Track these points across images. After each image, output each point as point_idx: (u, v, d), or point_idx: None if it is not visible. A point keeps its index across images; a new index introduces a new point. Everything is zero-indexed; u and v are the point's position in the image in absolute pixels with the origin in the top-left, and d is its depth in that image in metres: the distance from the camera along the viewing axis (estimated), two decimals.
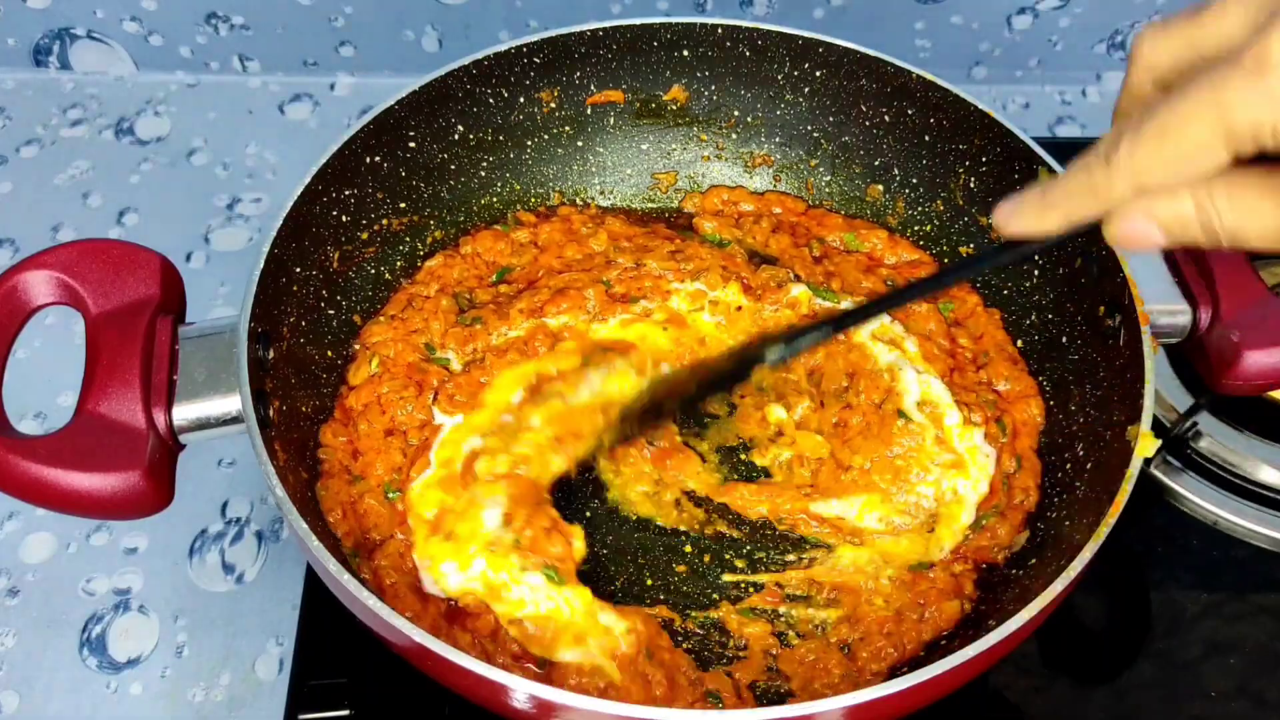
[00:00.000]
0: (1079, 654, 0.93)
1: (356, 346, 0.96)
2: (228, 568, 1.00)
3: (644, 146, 1.11)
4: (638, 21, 1.02)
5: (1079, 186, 0.56)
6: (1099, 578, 0.85)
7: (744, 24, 1.02)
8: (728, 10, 1.34)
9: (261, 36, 1.35)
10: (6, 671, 0.94)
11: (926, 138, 1.03)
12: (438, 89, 0.98)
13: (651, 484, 0.93)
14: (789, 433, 0.95)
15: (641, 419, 0.88)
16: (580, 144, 1.09)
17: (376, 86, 1.39)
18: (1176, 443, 1.02)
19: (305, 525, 0.73)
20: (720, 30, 1.03)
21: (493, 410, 0.92)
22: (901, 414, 0.93)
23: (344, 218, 0.96)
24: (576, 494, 0.92)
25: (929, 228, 1.06)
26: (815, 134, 1.08)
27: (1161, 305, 0.86)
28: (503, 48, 1.00)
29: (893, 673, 0.82)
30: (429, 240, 1.04)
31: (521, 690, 0.66)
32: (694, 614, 0.87)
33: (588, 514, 0.91)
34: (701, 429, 0.97)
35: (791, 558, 0.90)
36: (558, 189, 1.10)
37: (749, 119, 1.09)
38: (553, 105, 1.06)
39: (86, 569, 1.00)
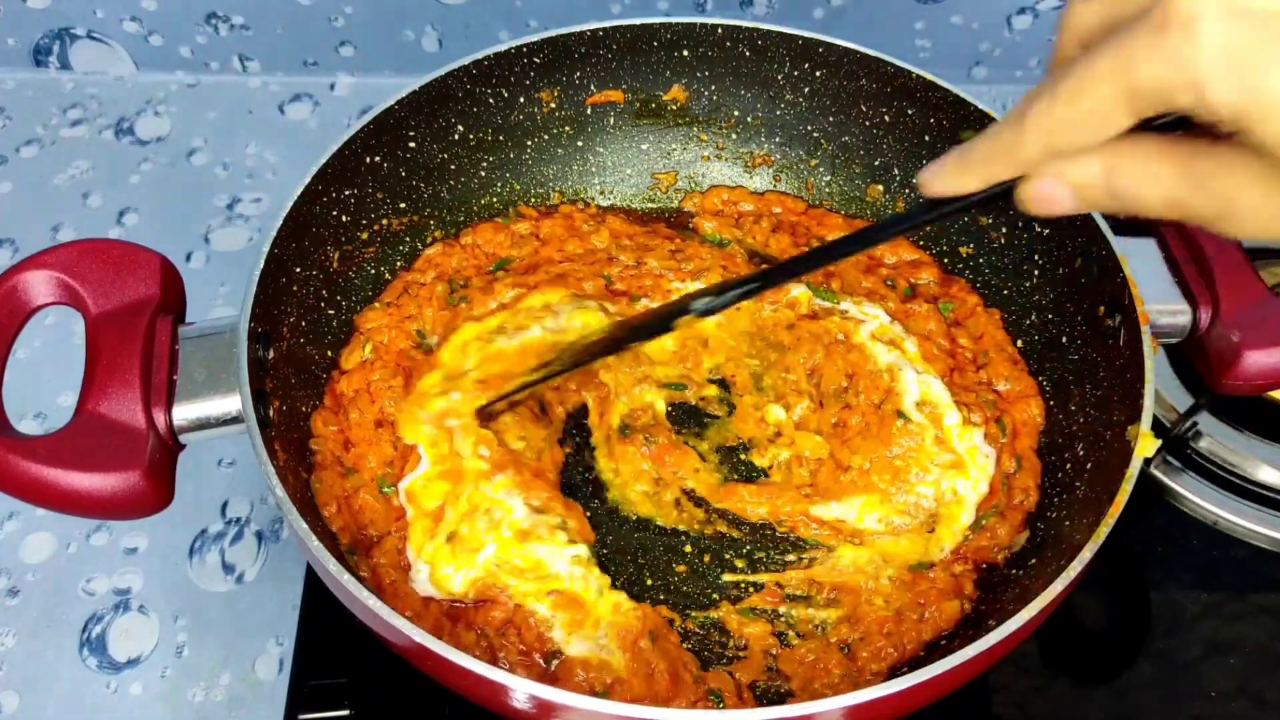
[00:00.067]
0: (1079, 654, 0.93)
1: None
2: (228, 568, 1.00)
3: (644, 146, 1.11)
4: (638, 21, 1.02)
5: (996, 148, 0.56)
6: (1099, 578, 0.85)
7: (744, 24, 1.02)
8: (728, 10, 1.34)
9: (261, 36, 1.35)
10: (6, 671, 0.94)
11: (926, 138, 1.03)
12: (438, 89, 0.98)
13: (651, 483, 0.93)
14: (788, 433, 0.95)
15: (568, 359, 0.88)
16: (580, 144, 1.09)
17: (376, 86, 1.39)
18: (1176, 443, 1.02)
19: (305, 525, 0.73)
20: (720, 30, 1.03)
21: (445, 370, 0.93)
22: (901, 414, 0.93)
23: (344, 218, 0.96)
24: (576, 494, 0.92)
25: (929, 227, 1.06)
26: (815, 134, 1.08)
27: (1161, 305, 0.86)
28: (503, 48, 1.00)
29: (893, 673, 0.82)
30: (429, 240, 1.04)
31: (521, 690, 0.66)
32: (694, 614, 0.87)
33: (587, 514, 0.91)
34: (701, 429, 0.97)
35: (791, 558, 0.90)
36: (558, 189, 1.10)
37: (749, 119, 1.09)
38: (553, 105, 1.06)
39: (86, 569, 1.00)
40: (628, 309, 0.99)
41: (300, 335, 0.90)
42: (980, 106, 0.96)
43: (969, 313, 1.01)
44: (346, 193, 0.95)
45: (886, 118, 1.04)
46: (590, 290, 1.00)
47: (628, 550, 0.90)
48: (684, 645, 0.84)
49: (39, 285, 0.80)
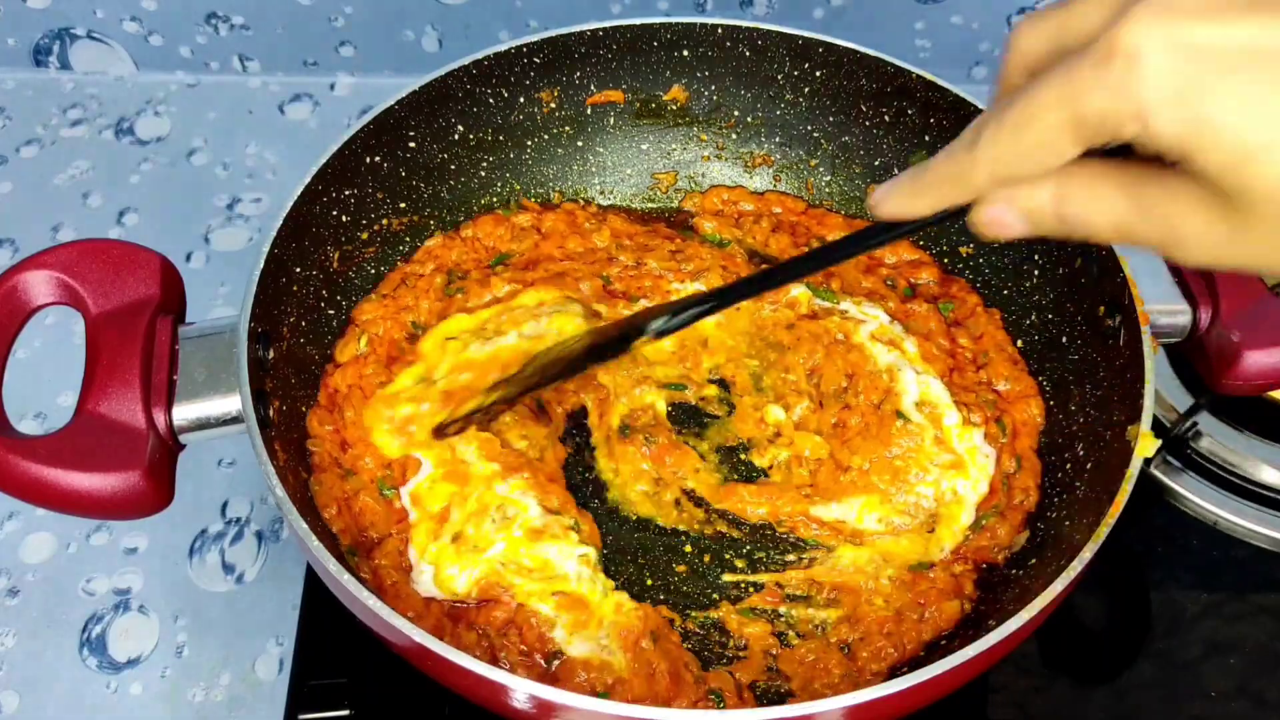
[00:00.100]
0: (1079, 654, 0.93)
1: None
2: (228, 568, 1.00)
3: (644, 146, 1.11)
4: (638, 21, 1.02)
5: (946, 174, 0.56)
6: (1099, 578, 0.85)
7: (744, 24, 1.02)
8: (728, 10, 1.34)
9: (261, 36, 1.35)
10: (6, 671, 0.94)
11: (926, 138, 1.03)
12: (438, 89, 0.98)
13: (651, 483, 0.93)
14: (787, 433, 0.95)
15: (523, 384, 0.87)
16: (580, 144, 1.09)
17: (376, 86, 1.39)
18: (1176, 443, 1.02)
19: (305, 525, 0.73)
20: (720, 30, 1.03)
21: (423, 366, 0.93)
22: (900, 414, 0.93)
23: (344, 218, 0.96)
24: (576, 494, 0.92)
25: (929, 227, 1.06)
26: (815, 134, 1.08)
27: (1161, 305, 0.86)
28: (503, 48, 1.00)
29: (893, 673, 0.82)
30: (428, 239, 1.04)
31: (521, 690, 0.66)
32: (694, 614, 0.87)
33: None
34: (701, 429, 0.97)
35: (791, 558, 0.90)
36: (558, 189, 1.10)
37: (749, 119, 1.09)
38: (553, 105, 1.06)
39: (86, 569, 1.00)
40: (624, 310, 0.99)
41: (300, 335, 0.90)
42: (980, 106, 0.96)
43: (969, 313, 1.01)
44: (346, 193, 0.95)
45: (886, 118, 1.04)
46: (587, 291, 1.00)
47: (628, 550, 0.90)
48: (684, 645, 0.84)
49: (39, 285, 0.80)
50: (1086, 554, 0.73)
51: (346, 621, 0.75)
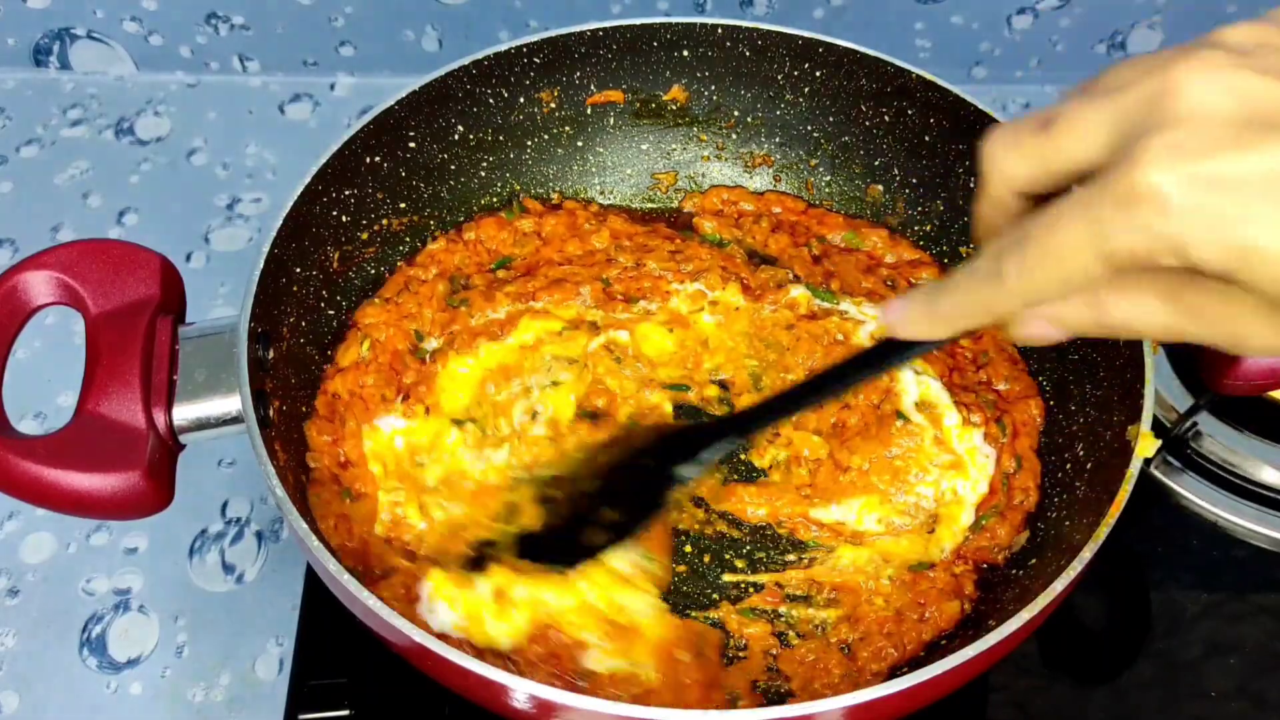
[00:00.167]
0: (1079, 654, 0.93)
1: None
2: (228, 568, 1.00)
3: (644, 146, 1.11)
4: (638, 21, 1.02)
5: (969, 303, 0.57)
6: (1099, 578, 0.85)
7: (744, 24, 1.02)
8: (728, 10, 1.34)
9: (261, 36, 1.35)
10: (6, 671, 0.94)
11: (926, 138, 1.02)
12: (438, 89, 0.98)
13: None
14: (786, 433, 0.95)
15: (542, 542, 0.83)
16: (580, 144, 1.09)
17: (376, 86, 1.39)
18: (1176, 443, 1.02)
19: (305, 525, 0.73)
20: (720, 30, 1.03)
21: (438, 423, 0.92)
22: (900, 415, 0.93)
23: (344, 218, 0.96)
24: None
25: (929, 227, 1.06)
26: (815, 134, 1.08)
27: None
28: (503, 48, 0.99)
29: (893, 673, 0.82)
30: (429, 240, 1.04)
31: (521, 690, 0.66)
32: (694, 614, 0.87)
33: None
34: None
35: (791, 558, 0.90)
36: (558, 189, 1.10)
37: (749, 119, 1.09)
38: (553, 105, 1.06)
39: (86, 569, 1.00)
40: (623, 314, 0.99)
41: (300, 335, 0.90)
42: (980, 106, 0.96)
43: None
44: (346, 193, 0.95)
45: (886, 118, 1.04)
46: (588, 295, 0.99)
47: None
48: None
49: (39, 285, 0.80)
50: (1086, 554, 0.73)
51: (346, 621, 0.75)
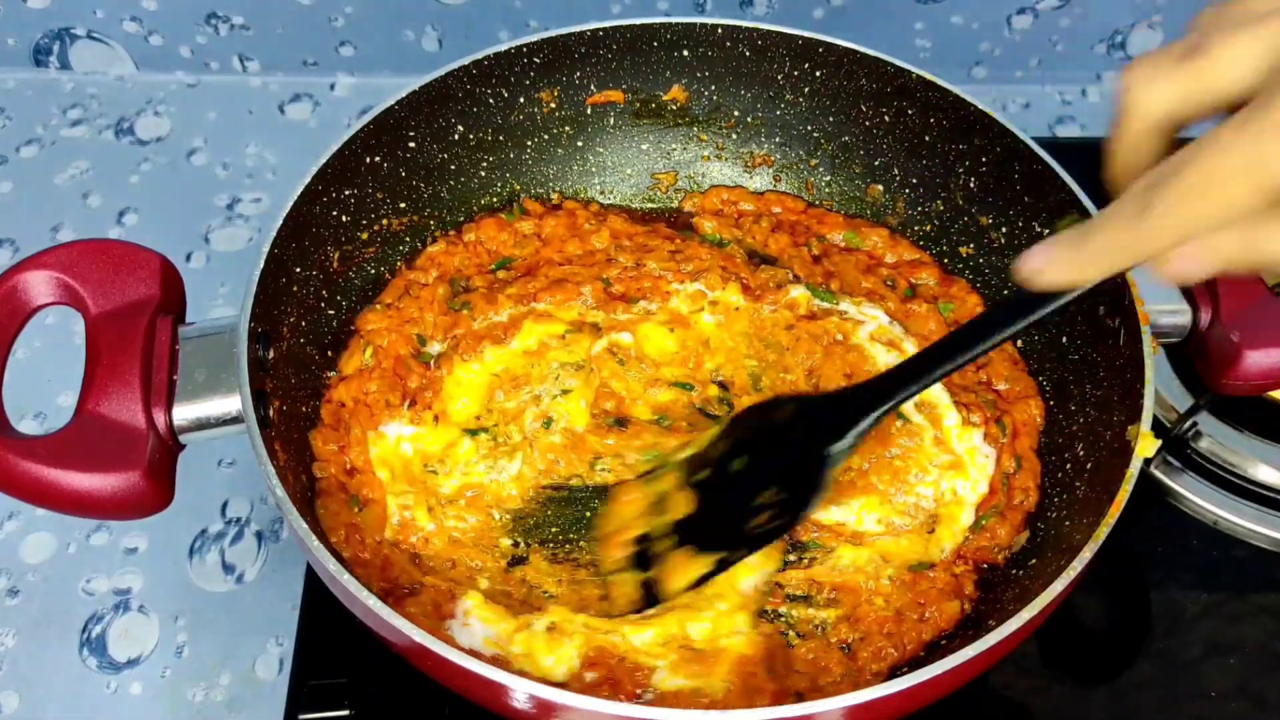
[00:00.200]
0: (1079, 654, 0.93)
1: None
2: (228, 568, 1.00)
3: (644, 146, 1.11)
4: (638, 21, 1.02)
5: (1118, 242, 0.55)
6: (1099, 578, 0.85)
7: (744, 24, 1.02)
8: (728, 10, 1.34)
9: (261, 36, 1.35)
10: (6, 671, 0.94)
11: (926, 138, 1.03)
12: (438, 89, 0.98)
13: None
14: None
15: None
16: (580, 144, 1.09)
17: (376, 86, 1.39)
18: (1176, 443, 1.02)
19: (305, 525, 0.72)
20: (720, 30, 1.03)
21: (448, 428, 0.92)
22: (900, 415, 0.93)
23: (344, 218, 0.96)
24: (576, 494, 0.92)
25: (929, 227, 1.06)
26: (815, 134, 1.08)
27: (1161, 305, 0.86)
28: (503, 48, 0.99)
29: (893, 673, 0.82)
30: (429, 240, 1.04)
31: (521, 690, 0.66)
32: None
33: (587, 514, 0.91)
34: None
35: (792, 557, 0.90)
36: (558, 189, 1.10)
37: (749, 119, 1.09)
38: (553, 105, 1.06)
39: (86, 569, 1.00)
40: (623, 315, 0.99)
41: (300, 335, 0.90)
42: (980, 106, 0.96)
43: (969, 313, 1.00)
44: (346, 193, 0.95)
45: (886, 118, 1.04)
46: (589, 295, 0.99)
47: None
48: None
49: (39, 285, 0.80)
50: (1086, 554, 0.73)
51: (346, 621, 0.75)
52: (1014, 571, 0.86)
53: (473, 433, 0.92)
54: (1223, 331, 0.85)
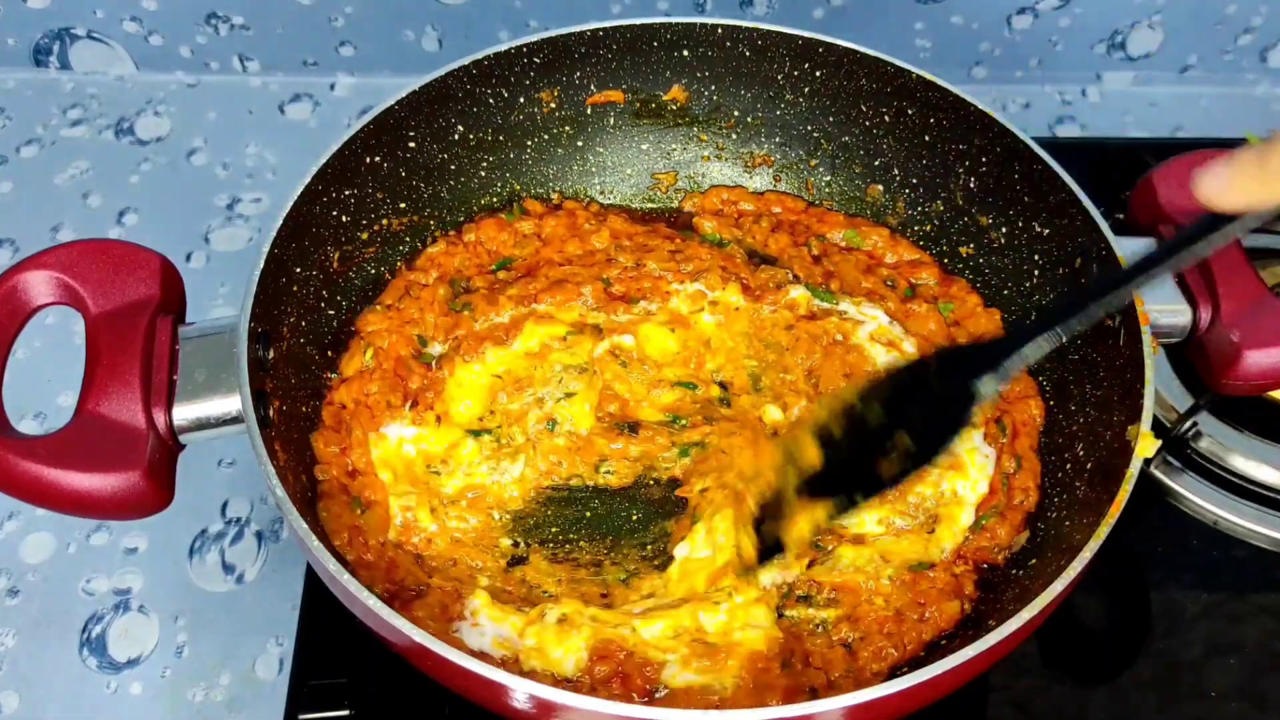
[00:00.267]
0: (1079, 654, 0.93)
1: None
2: (228, 568, 1.00)
3: (644, 146, 1.11)
4: (638, 21, 1.02)
5: None
6: (1099, 578, 0.85)
7: (744, 24, 1.02)
8: (728, 10, 1.34)
9: (261, 36, 1.35)
10: (6, 671, 0.94)
11: (926, 138, 1.03)
12: (438, 89, 0.98)
13: None
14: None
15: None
16: (580, 144, 1.09)
17: (376, 86, 1.39)
18: (1176, 443, 1.02)
19: (305, 525, 0.72)
20: (720, 30, 1.03)
21: (450, 428, 0.92)
22: None
23: (344, 218, 0.96)
24: (576, 494, 0.92)
25: (929, 227, 1.06)
26: (815, 134, 1.08)
27: (1161, 305, 0.86)
28: (503, 48, 1.00)
29: (893, 672, 0.82)
30: (429, 240, 1.04)
31: (521, 690, 0.66)
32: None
33: (587, 514, 0.91)
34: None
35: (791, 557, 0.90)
36: (558, 189, 1.10)
37: (749, 119, 1.09)
38: (553, 105, 1.06)
39: (86, 569, 1.00)
40: (624, 315, 0.99)
41: (300, 335, 0.90)
42: (980, 106, 0.96)
43: (969, 313, 1.00)
44: (346, 193, 0.95)
45: (886, 118, 1.04)
46: (590, 296, 0.99)
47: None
48: None
49: (39, 285, 0.80)
50: (1086, 554, 0.73)
51: (346, 621, 0.75)
52: (1014, 571, 0.86)
53: (476, 434, 0.92)
54: (1223, 331, 0.85)
